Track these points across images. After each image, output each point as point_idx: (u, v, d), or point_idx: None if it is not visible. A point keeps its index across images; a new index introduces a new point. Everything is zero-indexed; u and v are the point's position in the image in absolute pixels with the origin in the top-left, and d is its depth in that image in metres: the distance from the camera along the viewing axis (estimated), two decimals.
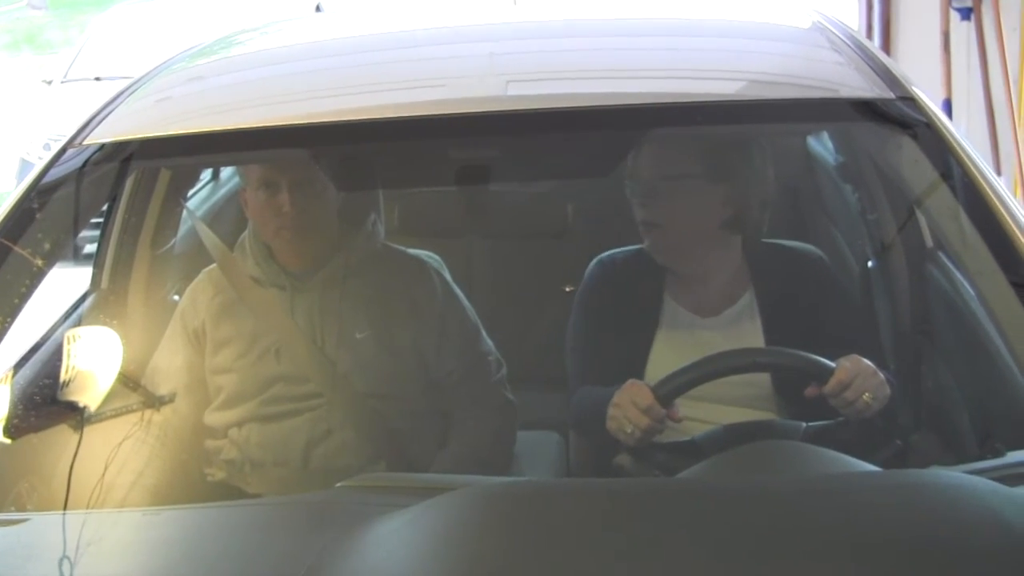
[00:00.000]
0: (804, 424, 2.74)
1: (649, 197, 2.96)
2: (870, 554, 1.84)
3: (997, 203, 2.38)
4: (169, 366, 3.05)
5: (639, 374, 2.85)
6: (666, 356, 2.91)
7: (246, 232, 3.12)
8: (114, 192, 3.27)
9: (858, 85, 2.69)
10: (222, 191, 4.46)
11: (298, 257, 3.07)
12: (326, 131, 2.69)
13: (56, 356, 2.77)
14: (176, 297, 3.39)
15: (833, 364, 2.67)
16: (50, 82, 12.76)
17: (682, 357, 2.77)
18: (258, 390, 3.00)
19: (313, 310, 3.04)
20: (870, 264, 3.44)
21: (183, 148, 2.83)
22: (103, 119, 2.83)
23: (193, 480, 2.96)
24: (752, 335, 2.96)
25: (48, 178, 2.70)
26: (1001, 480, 2.07)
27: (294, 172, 2.96)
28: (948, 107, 7.23)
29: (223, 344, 3.05)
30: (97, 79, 11.87)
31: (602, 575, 1.83)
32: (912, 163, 2.58)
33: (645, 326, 3.01)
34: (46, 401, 2.67)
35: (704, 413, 2.80)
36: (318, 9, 12.36)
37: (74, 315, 3.30)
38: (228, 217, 4.10)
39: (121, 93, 2.98)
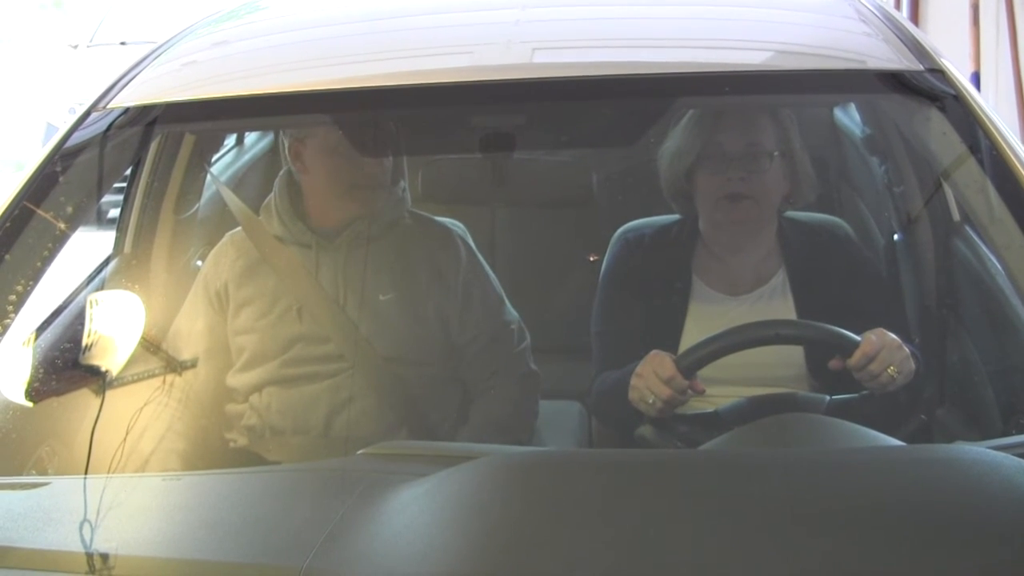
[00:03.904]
0: (828, 397, 2.73)
1: (745, 169, 2.93)
2: (892, 529, 1.83)
3: None
4: (191, 331, 3.05)
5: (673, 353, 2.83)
6: (698, 337, 2.88)
7: (272, 194, 3.12)
8: (138, 156, 3.26)
9: (886, 56, 2.67)
10: (246, 156, 4.45)
11: (348, 214, 3.08)
12: (352, 97, 2.68)
13: (78, 320, 2.77)
14: (199, 262, 3.39)
15: (858, 337, 2.65)
16: (76, 46, 12.78)
17: None
18: (279, 350, 3.00)
19: (337, 270, 3.04)
20: (896, 237, 3.43)
21: (207, 112, 2.83)
22: (127, 83, 2.83)
23: (214, 446, 2.97)
24: (784, 314, 2.95)
25: (72, 142, 2.70)
26: None
27: (380, 135, 2.99)
28: (976, 80, 7.19)
29: (245, 304, 3.05)
30: (123, 43, 11.89)
31: (622, 546, 1.82)
32: (940, 135, 2.56)
33: (676, 305, 3.00)
34: (68, 365, 2.67)
35: (731, 389, 2.79)
36: None
37: (97, 279, 3.29)
38: (252, 182, 4.11)
39: (146, 57, 2.98)
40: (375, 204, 3.08)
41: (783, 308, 2.95)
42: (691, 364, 2.69)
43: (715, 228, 3.04)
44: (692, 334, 2.92)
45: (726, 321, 2.83)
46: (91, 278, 3.29)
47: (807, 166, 3.00)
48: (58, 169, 2.64)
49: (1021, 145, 2.46)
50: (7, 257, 2.48)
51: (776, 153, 2.93)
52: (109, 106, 2.75)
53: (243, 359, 3.05)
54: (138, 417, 2.66)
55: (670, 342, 2.90)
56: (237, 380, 3.04)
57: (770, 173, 2.94)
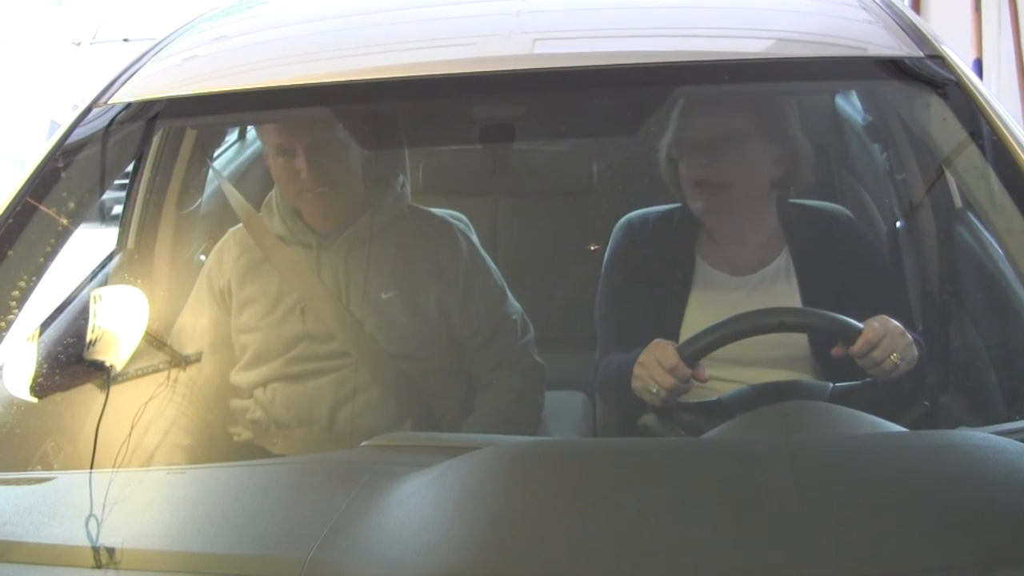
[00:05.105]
0: (831, 384, 2.73)
1: (712, 157, 2.93)
2: (896, 515, 1.84)
3: None
4: (195, 326, 3.06)
5: (674, 337, 2.84)
6: (700, 318, 2.89)
7: (273, 191, 3.12)
8: (140, 152, 3.27)
9: (887, 43, 2.67)
10: (248, 151, 4.46)
11: (323, 217, 3.06)
12: (353, 89, 2.68)
13: (82, 315, 2.78)
14: (202, 257, 3.39)
15: (861, 324, 2.66)
16: (79, 43, 12.79)
17: (717, 319, 2.75)
18: (283, 349, 3.01)
19: (339, 269, 3.03)
20: (898, 224, 3.43)
21: (209, 107, 2.83)
22: (129, 78, 2.83)
23: (218, 440, 2.97)
24: (788, 297, 2.95)
25: (74, 138, 2.70)
26: None
27: (310, 136, 2.96)
28: (979, 67, 7.18)
29: (248, 303, 3.05)
30: (126, 40, 11.90)
31: (626, 534, 1.83)
32: (941, 122, 2.56)
33: (678, 288, 3.00)
34: (72, 361, 2.67)
35: (733, 376, 2.79)
36: None
37: (100, 275, 3.30)
38: (254, 177, 4.11)
39: (147, 52, 2.98)
40: (347, 201, 3.08)
41: (786, 290, 2.95)
42: (694, 353, 2.69)
43: (701, 215, 3.05)
44: (695, 315, 2.93)
45: (729, 303, 2.83)
46: (94, 274, 3.31)
47: (804, 150, 2.99)
48: (60, 165, 2.64)
49: (1022, 131, 2.46)
50: (10, 253, 2.48)
51: (750, 138, 2.92)
52: (111, 102, 2.75)
53: (247, 357, 3.05)
54: (143, 412, 2.66)
55: (673, 325, 2.92)
56: (241, 378, 3.04)
57: (743, 159, 2.94)
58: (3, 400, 2.59)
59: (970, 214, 3.05)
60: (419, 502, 1.95)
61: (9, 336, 2.43)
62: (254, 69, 2.88)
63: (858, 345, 2.64)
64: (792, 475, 1.98)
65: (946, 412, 2.78)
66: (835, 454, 2.08)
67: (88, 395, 2.61)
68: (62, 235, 2.56)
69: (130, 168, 3.46)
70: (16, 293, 2.45)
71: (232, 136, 4.55)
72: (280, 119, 3.00)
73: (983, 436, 2.13)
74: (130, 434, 2.54)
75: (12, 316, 2.44)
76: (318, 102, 2.78)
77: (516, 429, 2.98)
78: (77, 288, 3.13)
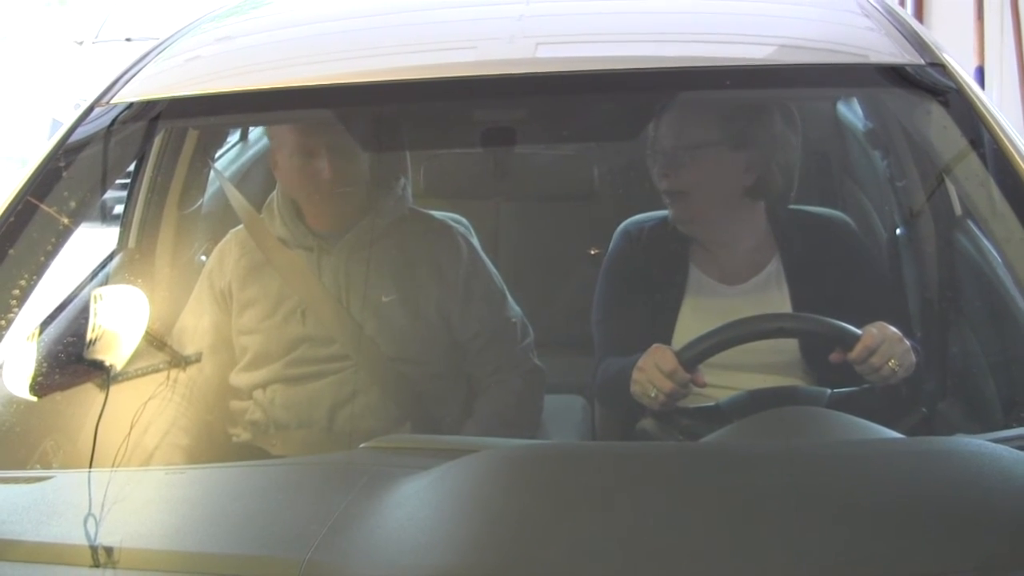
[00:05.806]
0: (829, 390, 2.73)
1: (671, 166, 2.95)
2: (893, 521, 1.84)
3: None
4: (196, 326, 3.05)
5: (666, 343, 2.84)
6: (692, 324, 2.90)
7: (274, 193, 3.12)
8: (142, 151, 3.27)
9: (888, 51, 2.68)
10: (250, 152, 4.45)
11: (330, 219, 3.07)
12: (355, 92, 2.68)
13: (83, 315, 2.78)
14: (203, 257, 3.39)
15: (859, 331, 2.66)
16: (81, 43, 12.81)
17: (708, 325, 2.76)
18: (283, 351, 3.01)
19: (339, 272, 3.04)
20: (898, 231, 3.43)
21: (211, 108, 2.83)
22: (131, 78, 2.83)
23: (218, 440, 2.97)
24: (779, 302, 2.95)
25: (75, 137, 2.70)
26: None
27: (330, 137, 2.96)
28: (981, 75, 7.17)
29: (248, 305, 3.05)
30: (128, 40, 11.92)
31: (624, 538, 1.83)
32: (941, 130, 2.57)
33: (671, 295, 3.01)
34: (72, 360, 2.67)
35: (731, 381, 2.79)
36: None
37: (101, 274, 3.30)
38: (256, 178, 4.11)
39: (149, 52, 2.99)
40: (356, 203, 3.09)
41: (778, 297, 2.95)
42: (693, 357, 2.69)
43: (675, 223, 3.05)
44: (687, 322, 2.94)
45: (720, 311, 2.84)
46: (95, 273, 3.30)
47: (783, 155, 2.98)
48: (62, 164, 2.64)
49: (1022, 139, 2.46)
50: (11, 252, 2.49)
51: (711, 147, 2.92)
52: (113, 101, 2.75)
53: (247, 359, 3.05)
54: (142, 412, 2.66)
55: (665, 332, 2.92)
56: (240, 379, 3.04)
57: (701, 168, 2.94)
58: (3, 399, 2.58)
59: (970, 222, 3.05)
60: (417, 504, 1.95)
61: (9, 335, 2.44)
62: (256, 70, 2.88)
63: (856, 351, 2.65)
64: (790, 480, 1.99)
65: (944, 419, 2.79)
66: (833, 460, 2.09)
67: (88, 395, 2.61)
68: (63, 234, 2.56)
69: (131, 168, 3.46)
70: (17, 292, 2.45)
71: (234, 137, 4.55)
72: (282, 120, 3.01)
73: (980, 443, 2.14)
74: (129, 434, 2.54)
75: (12, 315, 2.44)
76: (319, 104, 2.78)
77: (515, 432, 2.98)
78: (78, 287, 3.13)
